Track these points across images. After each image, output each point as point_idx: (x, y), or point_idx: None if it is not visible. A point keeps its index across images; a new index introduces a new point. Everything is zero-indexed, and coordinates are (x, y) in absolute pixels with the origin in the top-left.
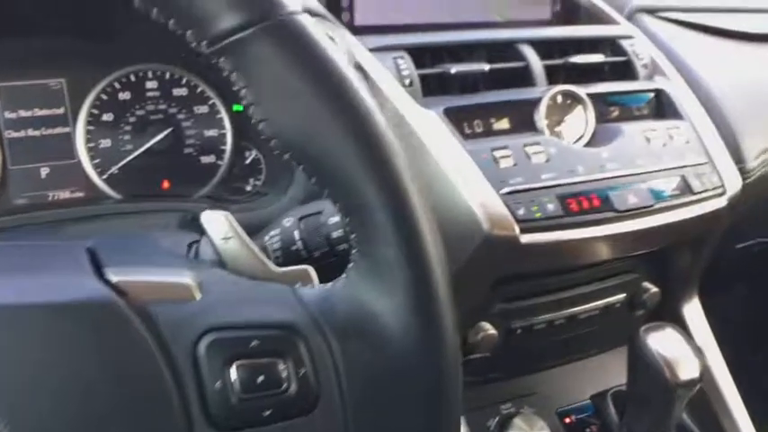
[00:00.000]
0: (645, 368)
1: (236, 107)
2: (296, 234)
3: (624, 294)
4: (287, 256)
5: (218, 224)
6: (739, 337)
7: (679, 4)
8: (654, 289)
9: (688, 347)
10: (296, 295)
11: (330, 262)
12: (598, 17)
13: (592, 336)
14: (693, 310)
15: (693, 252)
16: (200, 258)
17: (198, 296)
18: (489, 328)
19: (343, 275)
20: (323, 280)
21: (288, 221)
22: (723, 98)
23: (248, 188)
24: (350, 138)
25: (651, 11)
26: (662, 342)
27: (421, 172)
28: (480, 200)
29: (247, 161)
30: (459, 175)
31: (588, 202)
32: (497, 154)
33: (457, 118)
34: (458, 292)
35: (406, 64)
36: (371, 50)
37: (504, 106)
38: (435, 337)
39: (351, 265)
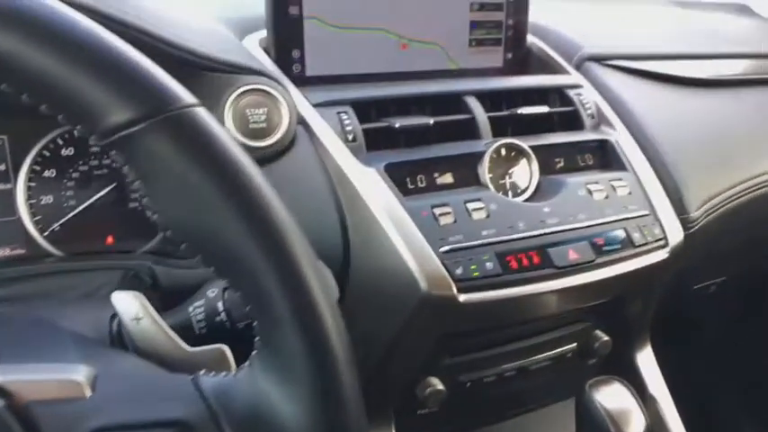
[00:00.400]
0: (591, 423)
1: None
2: (220, 305)
3: (575, 344)
4: (211, 327)
5: (128, 305)
6: (696, 382)
7: (628, 51)
8: (605, 338)
9: (634, 402)
10: (196, 385)
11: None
12: (548, 65)
13: (544, 386)
14: (646, 358)
15: (643, 300)
16: (123, 332)
17: (88, 394)
18: (437, 384)
19: (247, 363)
20: (248, 351)
21: (212, 292)
22: (668, 148)
23: None
24: (247, 230)
25: (600, 59)
26: (608, 397)
27: (362, 230)
28: (418, 259)
29: None
30: (397, 233)
31: (528, 260)
32: (437, 211)
33: (399, 173)
34: (401, 350)
35: (350, 119)
36: (316, 106)
37: (447, 161)
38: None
39: (254, 352)
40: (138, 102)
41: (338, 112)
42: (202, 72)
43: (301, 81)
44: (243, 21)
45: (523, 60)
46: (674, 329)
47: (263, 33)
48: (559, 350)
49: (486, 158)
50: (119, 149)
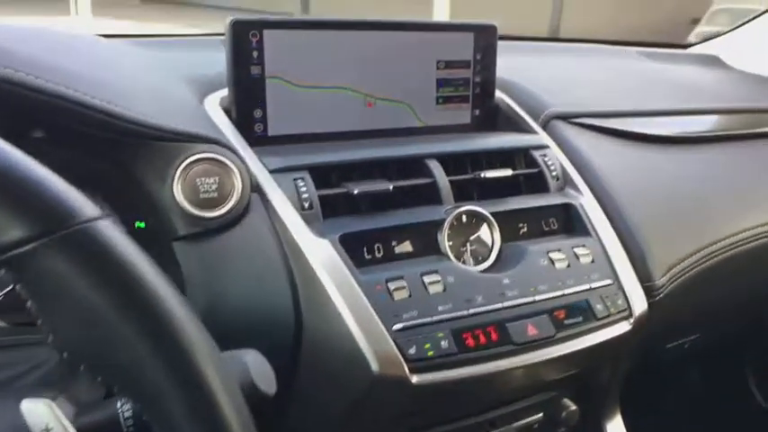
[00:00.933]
0: None
1: (138, 224)
2: None
3: (542, 414)
4: (139, 425)
5: (37, 415)
6: None
7: (596, 109)
8: (573, 407)
9: None
10: None
11: None
12: (515, 123)
13: None
14: (615, 426)
15: (610, 368)
16: None
17: None
18: None
19: None
20: None
21: None
22: (632, 211)
23: None
24: (152, 352)
25: (567, 117)
26: None
27: (314, 303)
28: (369, 338)
29: None
30: (348, 310)
31: (485, 337)
32: (392, 285)
33: (355, 244)
34: (355, 427)
35: (306, 186)
36: (272, 171)
37: (406, 229)
38: None
39: None
40: (30, 218)
41: (295, 179)
42: (149, 142)
43: (263, 141)
44: (206, 79)
45: (491, 117)
46: (649, 389)
47: (226, 92)
48: (525, 421)
49: (446, 226)
50: (10, 269)
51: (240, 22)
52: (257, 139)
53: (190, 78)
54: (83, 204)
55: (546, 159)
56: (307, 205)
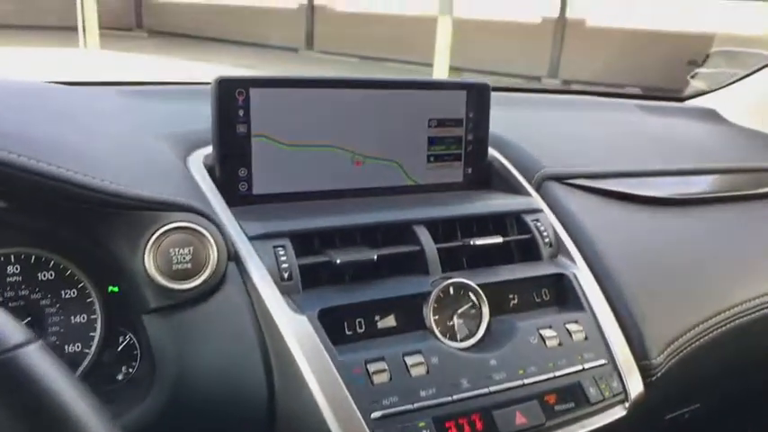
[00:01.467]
0: None
1: (111, 288)
2: None
3: None
4: None
5: None
6: None
7: (590, 170)
8: None
9: None
10: None
11: None
12: (508, 183)
13: None
14: None
15: None
16: None
17: None
18: None
19: None
20: None
21: None
22: (628, 282)
23: (119, 377)
24: None
25: (560, 178)
26: None
27: (288, 382)
28: (344, 427)
29: (120, 347)
30: (323, 395)
31: (470, 426)
32: (372, 367)
33: (335, 318)
34: None
35: (287, 255)
36: (252, 238)
37: (389, 303)
38: None
39: None
40: None
41: (275, 246)
42: (118, 211)
43: (248, 200)
44: (191, 135)
45: (484, 175)
46: None
47: (211, 149)
48: None
49: (432, 300)
50: None
51: (226, 81)
52: (241, 198)
53: (173, 135)
54: (7, 331)
55: (538, 225)
56: (286, 276)
